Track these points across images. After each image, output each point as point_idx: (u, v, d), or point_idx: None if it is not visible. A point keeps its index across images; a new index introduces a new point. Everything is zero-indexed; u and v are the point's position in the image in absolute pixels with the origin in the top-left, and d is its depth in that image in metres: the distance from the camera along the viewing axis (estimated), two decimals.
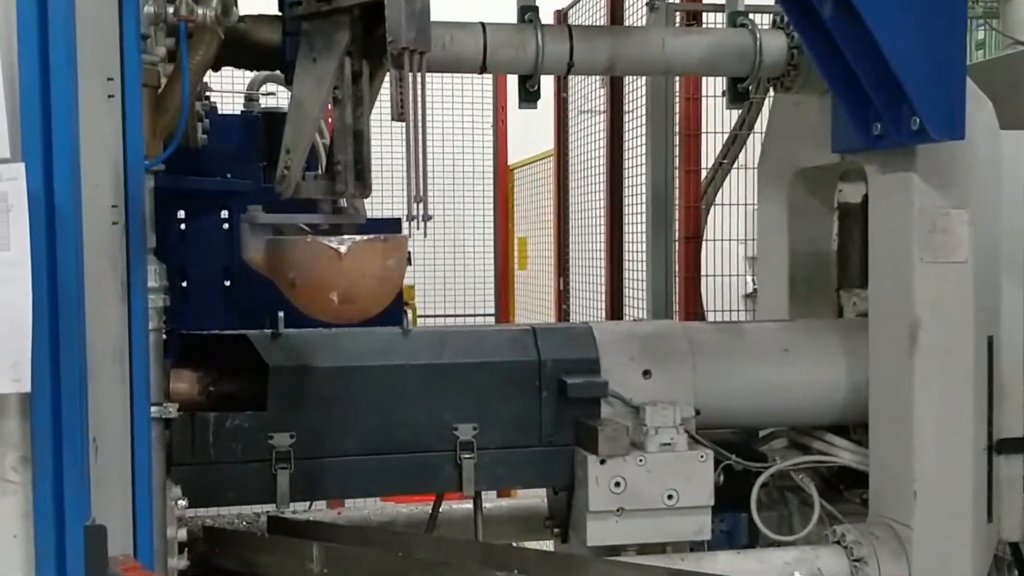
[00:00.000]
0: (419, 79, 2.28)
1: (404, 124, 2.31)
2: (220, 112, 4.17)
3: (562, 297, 6.56)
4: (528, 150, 7.70)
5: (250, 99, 4.29)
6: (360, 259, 2.39)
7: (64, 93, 1.71)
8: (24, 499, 1.73)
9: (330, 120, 5.00)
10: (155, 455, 2.25)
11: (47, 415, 1.72)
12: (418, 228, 2.31)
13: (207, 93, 3.77)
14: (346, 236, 2.41)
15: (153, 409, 2.25)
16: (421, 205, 2.33)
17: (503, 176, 8.15)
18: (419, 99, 2.28)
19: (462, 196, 8.15)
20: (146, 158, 2.19)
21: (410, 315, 3.13)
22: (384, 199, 6.89)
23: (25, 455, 1.73)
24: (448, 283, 8.15)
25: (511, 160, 8.19)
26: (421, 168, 2.32)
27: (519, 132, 7.90)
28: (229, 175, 3.71)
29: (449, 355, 3.07)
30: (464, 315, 8.07)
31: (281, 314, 2.97)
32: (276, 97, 4.46)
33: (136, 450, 2.05)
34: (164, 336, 2.52)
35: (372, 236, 2.44)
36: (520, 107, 3.37)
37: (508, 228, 8.23)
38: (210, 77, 3.40)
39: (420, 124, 2.30)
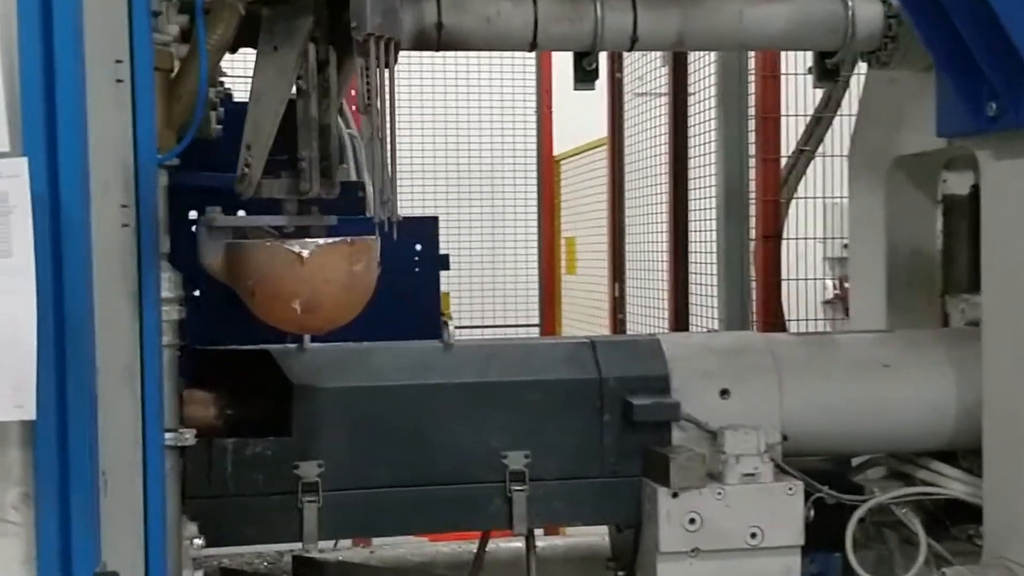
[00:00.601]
0: (387, 69, 2.34)
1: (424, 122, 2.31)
2: (236, 100, 4.19)
3: (617, 305, 6.53)
4: (577, 138, 7.68)
5: None
6: (323, 264, 2.42)
7: (70, 77, 1.72)
8: (26, 542, 1.72)
9: (354, 108, 5.04)
10: (169, 488, 2.24)
11: (52, 445, 1.71)
12: (386, 232, 2.37)
13: (221, 78, 3.77)
14: (308, 239, 2.45)
15: (167, 436, 2.25)
16: (389, 208, 2.39)
17: (548, 168, 8.14)
18: (387, 91, 2.33)
19: (501, 191, 8.17)
20: (159, 151, 2.21)
21: (449, 326, 3.09)
22: (424, 196, 6.95)
23: (27, 491, 1.72)
24: (486, 290, 8.17)
25: (557, 150, 8.17)
26: (389, 168, 2.38)
27: (566, 118, 7.88)
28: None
29: (496, 372, 3.05)
30: (504, 326, 8.08)
31: None
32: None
33: (148, 484, 2.05)
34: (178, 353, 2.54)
35: (337, 239, 2.48)
36: (576, 88, 3.33)
37: (554, 227, 8.21)
38: (226, 60, 3.41)
39: (388, 119, 2.36)
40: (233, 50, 2.78)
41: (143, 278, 2.11)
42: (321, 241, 2.44)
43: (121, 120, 2.04)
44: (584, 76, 3.26)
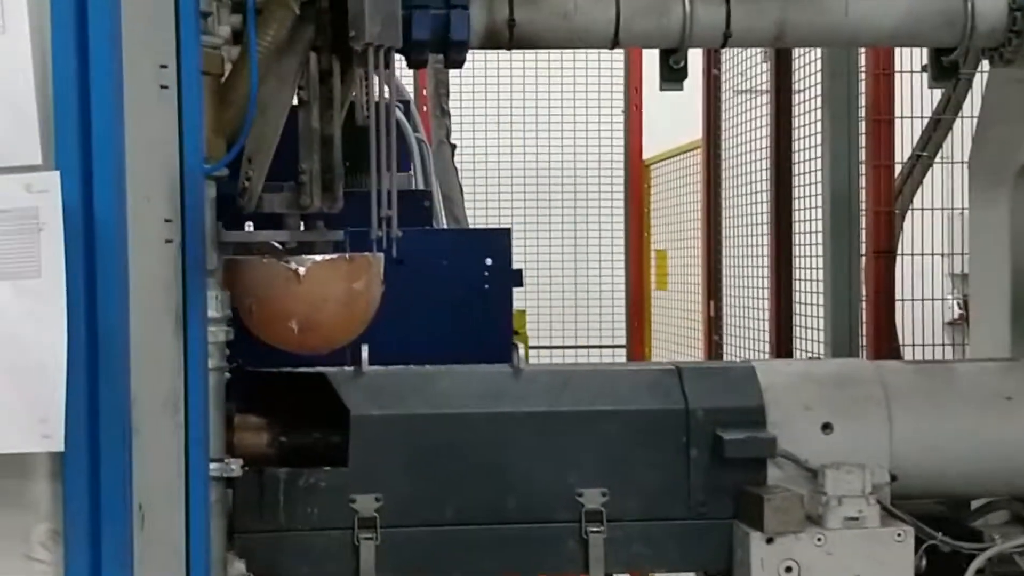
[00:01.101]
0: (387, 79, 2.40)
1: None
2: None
3: (713, 326, 6.48)
4: (669, 141, 7.64)
5: None
6: (321, 281, 2.48)
7: (106, 83, 1.75)
8: None
9: (425, 108, 5.10)
10: (214, 523, 2.27)
11: (83, 478, 1.74)
12: (384, 250, 2.44)
13: None
14: (306, 256, 2.50)
15: (213, 466, 2.28)
16: (388, 225, 2.45)
17: (637, 174, 8.09)
18: (386, 102, 2.40)
19: (584, 199, 8.14)
20: (207, 161, 2.25)
21: (521, 349, 3.10)
22: (499, 205, 6.97)
23: (56, 528, 1.75)
24: (567, 308, 8.14)
25: (647, 154, 8.13)
26: (389, 182, 2.44)
27: (657, 118, 7.83)
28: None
29: (572, 401, 3.05)
30: (587, 346, 8.05)
31: (365, 348, 2.98)
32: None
33: (191, 518, 2.07)
34: (227, 376, 2.58)
35: (335, 255, 2.54)
36: (662, 88, 3.31)
37: (643, 238, 8.16)
38: None
39: (387, 131, 2.42)
40: None
41: (188, 297, 2.14)
42: (319, 257, 2.51)
43: (166, 128, 2.08)
44: (671, 75, 3.23)
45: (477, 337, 3.42)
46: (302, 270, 2.46)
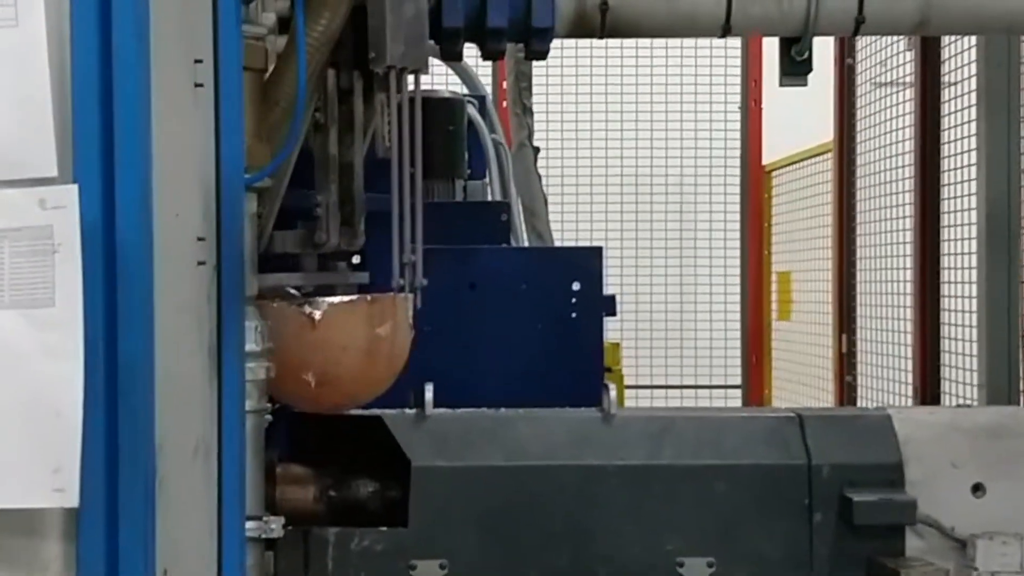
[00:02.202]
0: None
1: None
2: None
3: (845, 364, 6.40)
4: (794, 143, 7.58)
5: None
6: (339, 327, 2.54)
7: (133, 83, 1.77)
8: None
9: (504, 104, 5.13)
10: None
11: (100, 538, 1.76)
12: (407, 295, 2.51)
13: None
14: (322, 298, 2.56)
15: (250, 526, 2.31)
16: (413, 271, 2.52)
17: (756, 182, 8.02)
18: (410, 130, 2.48)
19: (692, 212, 8.05)
20: (248, 170, 2.29)
21: (612, 391, 3.10)
22: (591, 220, 6.90)
23: None
24: (671, 340, 8.05)
25: (767, 158, 8.07)
26: (412, 219, 2.52)
27: (780, 116, 7.78)
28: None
29: (673, 452, 3.06)
30: (695, 387, 7.99)
31: (430, 388, 3.02)
32: (430, 77, 4.57)
33: None
34: (268, 418, 2.62)
35: (354, 297, 2.59)
36: (782, 83, 3.33)
37: (762, 258, 8.09)
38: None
39: (410, 162, 2.50)
40: None
41: (224, 328, 2.18)
42: (336, 300, 2.56)
43: (200, 133, 2.12)
44: (794, 68, 3.24)
45: (562, 375, 3.44)
46: (317, 314, 2.52)
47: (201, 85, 2.07)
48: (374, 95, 2.70)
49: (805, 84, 3.30)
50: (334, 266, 2.75)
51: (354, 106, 2.66)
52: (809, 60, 3.24)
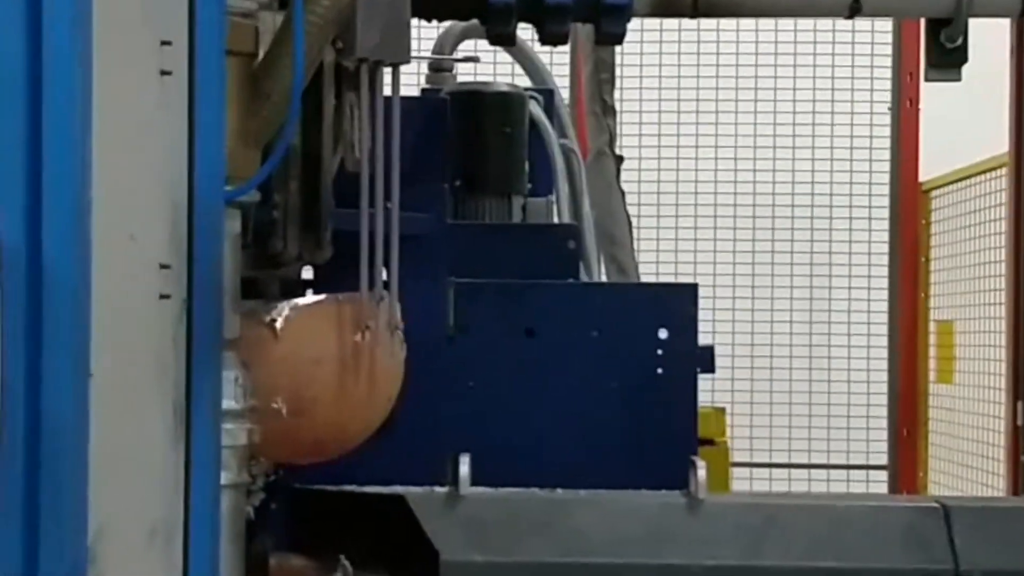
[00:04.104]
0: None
1: None
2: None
3: (1021, 440, 6.31)
4: (959, 156, 7.50)
5: (436, 69, 4.40)
6: (307, 336, 2.58)
7: (67, 70, 1.76)
8: None
9: (580, 98, 5.10)
10: None
11: None
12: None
13: None
14: (282, 303, 2.60)
15: None
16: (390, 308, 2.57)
17: (910, 205, 7.90)
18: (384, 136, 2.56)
19: (827, 242, 7.97)
20: (230, 181, 2.29)
21: (702, 469, 3.05)
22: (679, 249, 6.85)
23: None
24: (797, 406, 7.99)
25: (925, 174, 7.97)
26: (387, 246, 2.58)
27: (941, 123, 7.68)
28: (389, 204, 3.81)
29: (777, 552, 3.04)
30: (827, 466, 7.91)
31: (466, 460, 3.03)
32: (476, 67, 4.58)
33: None
34: (258, 495, 2.62)
35: (321, 298, 2.64)
36: (928, 77, 3.34)
37: (918, 303, 8.00)
38: None
39: (383, 178, 2.58)
40: None
41: (194, 379, 2.17)
42: (300, 302, 2.60)
43: (167, 134, 2.11)
44: (944, 57, 3.25)
45: (643, 449, 3.41)
46: (279, 322, 2.55)
47: (169, 73, 2.07)
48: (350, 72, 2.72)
49: (958, 78, 3.29)
50: (295, 291, 2.80)
51: (323, 83, 2.68)
52: (963, 48, 3.23)
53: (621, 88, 5.11)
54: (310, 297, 2.68)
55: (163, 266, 2.09)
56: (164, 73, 2.07)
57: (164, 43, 2.07)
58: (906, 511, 3.17)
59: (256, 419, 2.52)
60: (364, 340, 2.59)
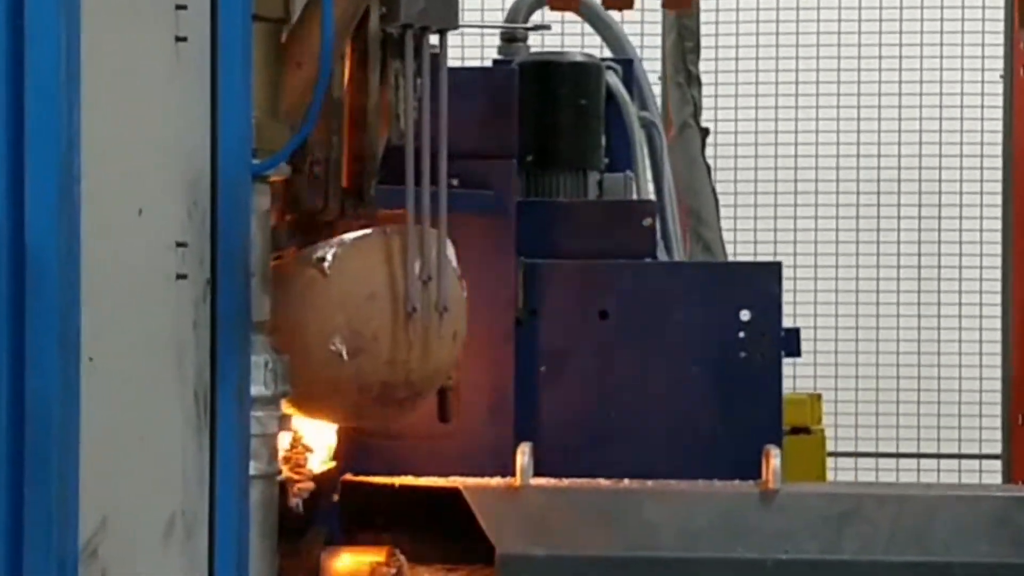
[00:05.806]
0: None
1: None
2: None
3: None
4: None
5: (509, 39, 4.37)
6: (358, 271, 2.58)
7: (52, 33, 1.70)
8: None
9: (657, 76, 5.05)
10: None
11: None
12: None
13: None
14: (330, 241, 2.60)
15: None
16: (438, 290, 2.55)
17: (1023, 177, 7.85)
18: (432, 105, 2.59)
19: (935, 219, 7.90)
20: (257, 154, 2.27)
21: (776, 458, 3.01)
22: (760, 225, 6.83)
23: None
24: (905, 392, 7.91)
25: None
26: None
27: None
28: (455, 181, 3.80)
29: (857, 545, 3.02)
30: (934, 455, 7.85)
31: (526, 448, 2.99)
32: (544, 37, 4.52)
33: None
34: (308, 487, 2.62)
35: (368, 231, 2.63)
36: None
37: None
38: None
39: (432, 147, 2.61)
40: None
41: (219, 364, 2.15)
42: (347, 237, 2.59)
43: (184, 103, 2.08)
44: None
45: (723, 437, 3.44)
46: (327, 261, 2.54)
47: (184, 39, 2.05)
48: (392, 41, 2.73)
49: None
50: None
51: (369, 34, 2.68)
52: None
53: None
54: (357, 232, 2.65)
55: (179, 244, 2.06)
56: (179, 39, 2.05)
57: (179, 7, 2.04)
58: (998, 501, 3.17)
59: (316, 373, 2.55)
60: (419, 271, 2.61)
